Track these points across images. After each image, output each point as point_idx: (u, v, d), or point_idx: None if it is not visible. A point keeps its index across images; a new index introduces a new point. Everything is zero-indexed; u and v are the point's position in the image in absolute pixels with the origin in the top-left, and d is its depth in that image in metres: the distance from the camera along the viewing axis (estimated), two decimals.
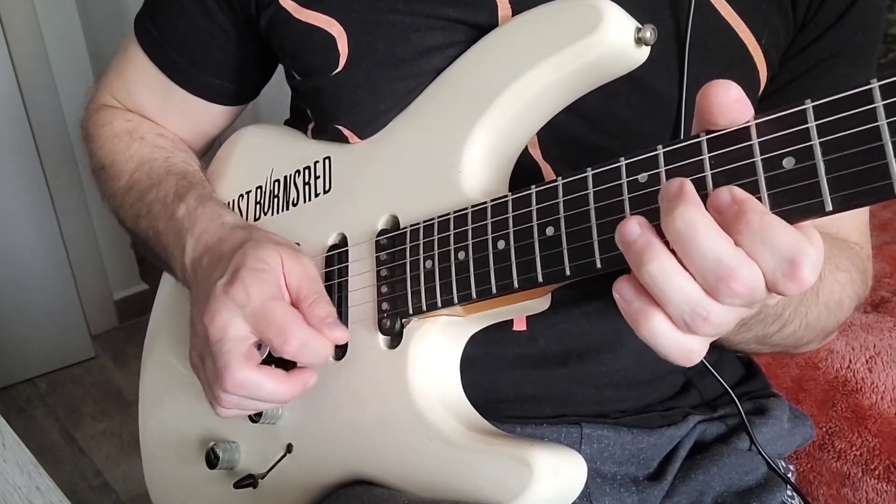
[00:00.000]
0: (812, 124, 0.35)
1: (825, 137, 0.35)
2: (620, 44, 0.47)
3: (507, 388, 0.60)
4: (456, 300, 0.50)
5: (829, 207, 0.35)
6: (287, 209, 0.64)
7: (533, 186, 0.47)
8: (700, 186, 0.38)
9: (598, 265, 0.42)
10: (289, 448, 0.59)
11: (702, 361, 0.61)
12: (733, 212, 0.36)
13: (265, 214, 0.66)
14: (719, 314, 0.37)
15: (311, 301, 0.53)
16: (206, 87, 0.70)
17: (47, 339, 1.73)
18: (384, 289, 0.54)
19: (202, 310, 0.54)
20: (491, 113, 0.52)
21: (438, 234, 0.51)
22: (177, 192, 0.64)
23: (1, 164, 1.57)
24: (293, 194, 0.64)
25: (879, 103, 0.34)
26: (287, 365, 0.55)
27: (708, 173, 0.38)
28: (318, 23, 0.58)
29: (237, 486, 0.61)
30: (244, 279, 0.52)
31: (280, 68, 0.70)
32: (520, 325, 0.59)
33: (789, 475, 0.69)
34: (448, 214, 0.51)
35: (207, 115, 0.72)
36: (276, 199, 0.66)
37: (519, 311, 0.51)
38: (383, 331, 0.54)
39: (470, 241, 0.49)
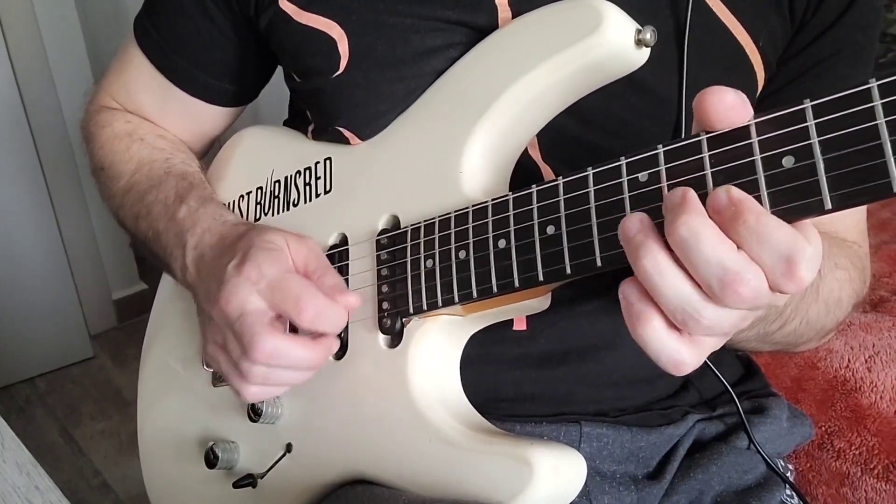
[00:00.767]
0: (811, 123, 0.36)
1: (824, 136, 0.35)
2: (621, 45, 0.48)
3: (507, 387, 0.60)
4: (457, 299, 0.50)
5: (829, 206, 0.35)
6: (288, 209, 0.64)
7: (534, 185, 0.47)
8: (700, 185, 0.38)
9: (599, 263, 0.42)
10: (288, 448, 0.59)
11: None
12: (730, 213, 0.36)
13: (266, 215, 0.66)
14: (713, 315, 0.37)
15: (320, 273, 0.54)
16: (205, 88, 0.70)
17: (46, 338, 1.73)
18: (385, 288, 0.54)
19: (215, 297, 0.54)
20: (491, 114, 0.52)
21: (439, 232, 0.51)
22: (177, 194, 0.64)
23: (0, 164, 1.57)
24: (294, 195, 0.64)
25: (878, 102, 0.34)
26: None
27: (708, 172, 0.39)
28: (318, 25, 0.58)
29: (236, 485, 0.61)
30: (255, 258, 0.53)
31: (279, 69, 0.70)
32: (519, 325, 0.59)
33: (788, 474, 0.69)
34: (449, 213, 0.51)
35: (207, 116, 0.72)
36: (276, 200, 0.66)
37: (519, 310, 0.51)
38: (384, 330, 0.54)
39: (471, 240, 0.49)
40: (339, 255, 0.58)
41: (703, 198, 0.37)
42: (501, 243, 0.47)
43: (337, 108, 0.60)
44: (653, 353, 0.39)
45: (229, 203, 0.69)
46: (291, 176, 0.65)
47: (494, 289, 0.48)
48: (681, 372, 0.39)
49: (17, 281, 1.65)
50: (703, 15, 0.54)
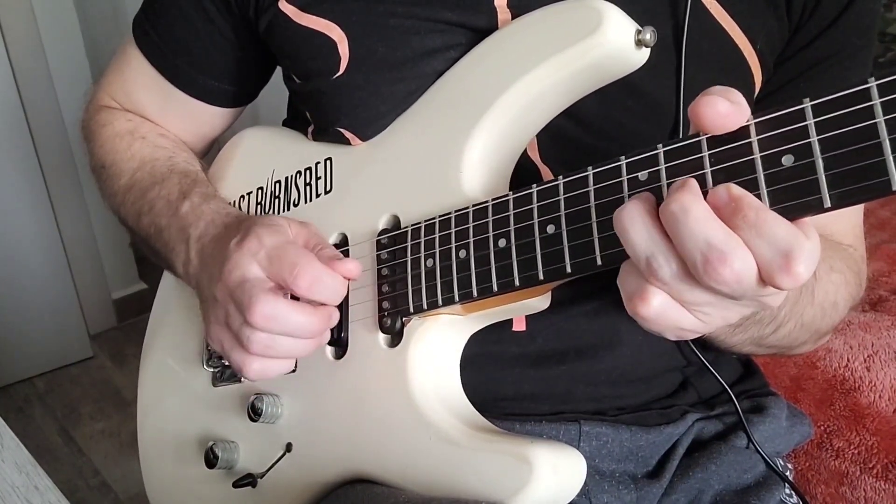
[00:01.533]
0: (811, 122, 0.36)
1: (824, 135, 0.35)
2: (620, 45, 0.48)
3: (507, 387, 0.60)
4: (457, 298, 0.50)
5: (828, 204, 0.35)
6: (288, 209, 0.65)
7: (534, 185, 0.47)
8: (700, 184, 0.38)
9: (599, 262, 0.43)
10: (288, 447, 0.59)
11: (700, 360, 0.61)
12: (731, 208, 0.36)
13: (266, 215, 0.66)
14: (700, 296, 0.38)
15: (319, 247, 0.54)
16: (204, 89, 0.70)
17: (46, 338, 1.73)
18: (385, 287, 0.54)
19: (218, 275, 0.54)
20: (492, 114, 0.52)
21: (440, 232, 0.51)
22: (181, 190, 0.64)
23: None
24: (294, 195, 0.64)
25: (877, 101, 0.34)
26: None
27: (708, 171, 0.39)
28: (318, 27, 0.58)
29: (236, 485, 0.61)
30: (256, 232, 0.53)
31: (278, 69, 0.70)
32: (519, 325, 0.59)
33: (787, 473, 0.69)
34: (449, 213, 0.51)
35: (206, 117, 0.72)
36: (277, 200, 0.66)
37: (519, 310, 0.51)
38: (384, 329, 0.54)
39: (471, 240, 0.49)
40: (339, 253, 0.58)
41: (704, 196, 0.37)
42: (502, 242, 0.48)
43: (337, 109, 0.60)
44: (654, 322, 0.40)
45: (230, 203, 0.69)
46: (292, 176, 0.65)
47: (495, 288, 0.48)
48: (683, 335, 0.41)
49: (17, 281, 1.65)
50: (701, 17, 0.55)
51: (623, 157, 0.42)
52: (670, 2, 0.55)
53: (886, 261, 1.05)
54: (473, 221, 0.49)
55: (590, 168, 0.44)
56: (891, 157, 0.33)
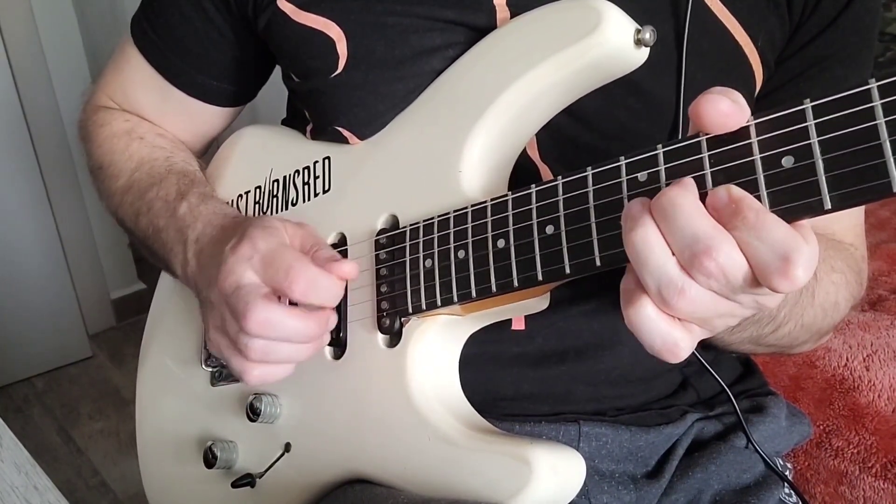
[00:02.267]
0: (811, 123, 0.36)
1: (824, 136, 0.35)
2: (620, 45, 0.48)
3: (506, 387, 0.60)
4: (456, 299, 0.50)
5: (828, 206, 0.35)
6: (286, 209, 0.64)
7: (533, 185, 0.47)
8: (700, 185, 0.38)
9: (598, 263, 0.42)
10: (287, 447, 0.59)
11: (699, 360, 0.61)
12: (730, 210, 0.36)
13: (264, 214, 0.66)
14: (694, 291, 0.37)
15: (315, 249, 0.54)
16: (203, 88, 0.70)
17: (44, 338, 1.73)
18: (383, 288, 0.54)
19: (214, 279, 0.54)
20: (490, 113, 0.52)
21: (438, 232, 0.51)
22: (179, 191, 0.64)
23: None
24: (292, 194, 0.64)
25: (878, 102, 0.34)
26: None
27: (707, 172, 0.39)
28: (316, 25, 0.58)
29: (235, 485, 0.61)
30: (251, 236, 0.53)
31: (277, 69, 0.70)
32: (518, 324, 0.59)
33: (787, 473, 0.69)
34: (448, 213, 0.51)
35: (205, 116, 0.72)
36: (275, 199, 0.66)
37: (518, 310, 0.51)
38: (382, 330, 0.54)
39: (470, 240, 0.49)
40: (337, 253, 0.58)
41: (704, 197, 0.37)
42: (500, 243, 0.47)
43: (336, 108, 0.60)
44: (646, 335, 0.39)
45: (228, 202, 0.69)
46: (290, 175, 0.65)
47: (493, 288, 0.48)
48: (676, 357, 0.39)
49: (15, 280, 1.65)
50: (702, 15, 0.54)
51: (622, 158, 0.42)
52: (671, 0, 0.54)
53: (886, 260, 1.05)
54: (472, 222, 0.49)
55: (589, 168, 0.44)
56: (891, 159, 0.33)
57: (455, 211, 0.51)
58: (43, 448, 1.56)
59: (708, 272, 0.36)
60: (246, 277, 0.52)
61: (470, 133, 0.52)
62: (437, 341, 0.53)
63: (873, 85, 0.34)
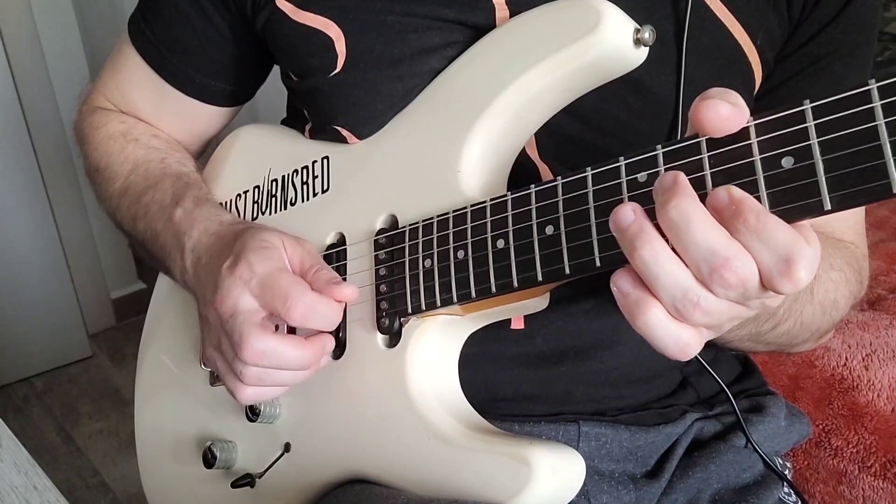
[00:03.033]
0: (811, 124, 0.36)
1: (824, 137, 0.35)
2: (619, 44, 0.47)
3: (505, 387, 0.60)
4: (455, 299, 0.50)
5: (828, 206, 0.35)
6: (285, 209, 0.64)
7: (532, 186, 0.47)
8: (699, 186, 0.38)
9: (598, 263, 0.42)
10: (286, 447, 0.59)
11: (698, 360, 0.61)
12: (731, 211, 0.36)
13: (263, 214, 0.66)
14: (710, 302, 0.37)
15: (315, 270, 0.54)
16: (201, 88, 0.70)
17: (44, 338, 1.73)
18: (383, 288, 0.54)
19: (211, 299, 0.54)
20: (490, 113, 0.52)
21: (437, 232, 0.51)
22: (174, 195, 0.64)
23: None
24: (291, 194, 0.64)
25: (878, 103, 0.34)
26: None
27: (707, 172, 0.39)
28: (315, 24, 0.58)
29: (234, 485, 0.61)
30: (248, 258, 0.53)
31: (276, 68, 0.70)
32: (518, 324, 0.59)
33: (786, 472, 0.69)
34: (447, 213, 0.51)
35: (203, 116, 0.72)
36: (273, 199, 0.66)
37: (518, 310, 0.51)
38: (382, 330, 0.54)
39: (469, 240, 0.49)
40: (336, 255, 0.58)
41: (703, 198, 0.37)
42: (500, 243, 0.47)
43: (334, 107, 0.60)
44: (658, 340, 0.39)
45: (226, 202, 0.69)
46: (289, 175, 0.65)
47: (493, 289, 0.48)
48: (687, 356, 0.39)
49: (15, 280, 1.65)
50: (702, 14, 0.54)
51: (622, 158, 0.42)
52: None
53: (885, 259, 1.05)
54: (471, 222, 0.49)
55: (588, 169, 0.44)
56: (891, 160, 0.33)
57: (454, 211, 0.51)
58: (42, 448, 1.56)
59: (729, 285, 0.36)
60: (242, 302, 0.52)
61: (469, 132, 0.52)
62: (437, 341, 0.53)
63: (873, 86, 0.34)
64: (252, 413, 0.59)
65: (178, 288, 0.69)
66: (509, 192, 0.48)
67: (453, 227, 0.50)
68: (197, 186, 0.66)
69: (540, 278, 0.45)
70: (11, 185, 1.59)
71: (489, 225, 0.48)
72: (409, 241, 0.53)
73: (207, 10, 0.65)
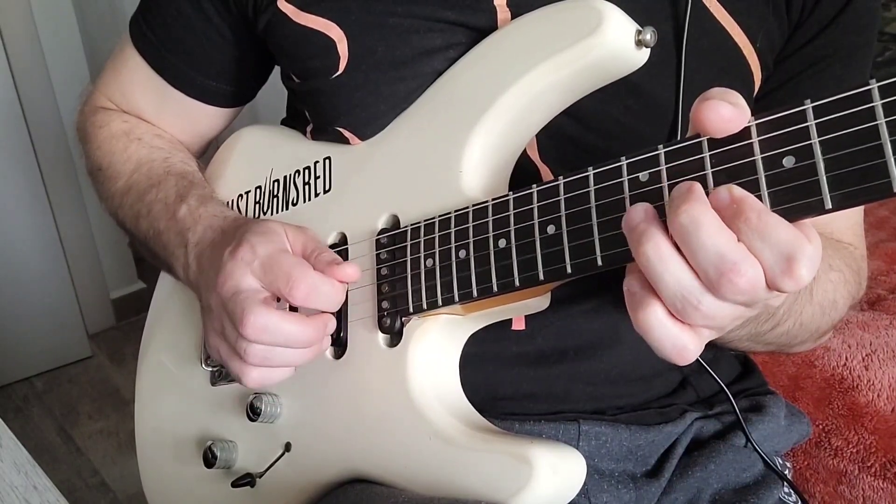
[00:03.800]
0: (812, 123, 0.36)
1: (825, 136, 0.35)
2: (621, 45, 0.48)
3: (506, 386, 0.60)
4: (457, 298, 0.50)
5: (829, 205, 0.35)
6: (286, 209, 0.64)
7: (534, 185, 0.47)
8: (701, 185, 0.38)
9: (600, 263, 0.43)
10: (287, 447, 0.59)
11: (698, 359, 0.61)
12: (732, 210, 0.36)
13: (265, 214, 0.66)
14: (711, 305, 0.37)
15: (317, 253, 0.54)
16: (202, 89, 0.70)
17: (44, 338, 1.73)
18: (384, 287, 0.54)
19: (213, 283, 0.54)
20: (491, 113, 0.52)
21: (439, 232, 0.51)
22: (178, 193, 0.64)
23: None
24: (293, 194, 0.64)
25: (878, 102, 0.34)
26: None
27: (709, 171, 0.39)
28: (317, 26, 0.58)
29: (235, 485, 0.61)
30: (250, 240, 0.53)
31: (276, 69, 0.70)
32: (518, 324, 0.59)
33: (786, 472, 0.69)
34: (449, 213, 0.51)
35: (204, 116, 0.72)
36: (275, 199, 0.66)
37: (519, 310, 0.51)
38: (383, 329, 0.54)
39: (471, 240, 0.49)
40: (338, 255, 0.58)
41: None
42: (502, 243, 0.48)
43: (336, 108, 0.60)
44: (656, 340, 0.39)
45: (228, 202, 0.69)
46: (290, 175, 0.65)
47: (495, 288, 0.48)
48: (685, 360, 0.39)
49: (15, 280, 1.65)
50: (701, 16, 0.55)
51: (624, 158, 0.42)
52: (670, 1, 0.55)
53: (885, 260, 1.06)
54: (473, 221, 0.49)
55: (590, 168, 0.44)
56: (892, 159, 0.33)
57: (456, 211, 0.51)
58: (42, 448, 1.56)
59: (739, 289, 0.36)
60: (244, 282, 0.52)
61: (471, 133, 0.52)
62: (438, 341, 0.53)
63: (874, 85, 0.34)
64: (253, 413, 0.59)
65: (180, 288, 0.69)
66: (511, 192, 0.48)
67: (455, 227, 0.50)
68: (201, 185, 0.66)
69: (541, 277, 0.45)
70: (11, 185, 1.59)
71: (491, 224, 0.48)
72: (411, 240, 0.53)
73: (208, 12, 0.65)
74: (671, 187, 0.39)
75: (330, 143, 0.62)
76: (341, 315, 0.56)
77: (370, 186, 0.58)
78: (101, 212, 0.74)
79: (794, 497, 0.64)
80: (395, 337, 0.54)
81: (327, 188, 0.61)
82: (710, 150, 0.39)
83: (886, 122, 0.34)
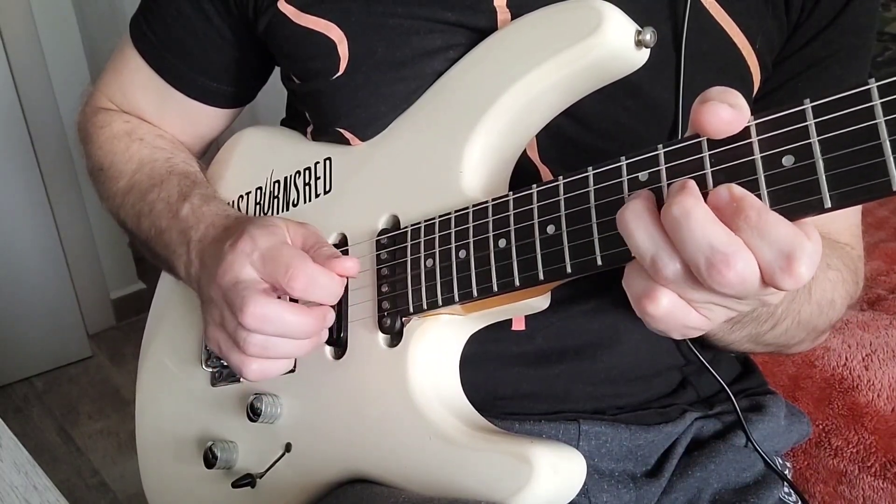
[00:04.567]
0: (811, 122, 0.36)
1: (824, 135, 0.35)
2: (621, 46, 0.48)
3: (506, 386, 0.60)
4: (457, 298, 0.50)
5: (829, 204, 0.35)
6: (287, 210, 0.64)
7: (534, 185, 0.47)
8: (700, 185, 0.39)
9: (600, 262, 0.43)
10: (287, 447, 0.59)
11: (699, 359, 0.62)
12: (732, 209, 0.36)
13: (265, 215, 0.66)
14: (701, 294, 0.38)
15: (317, 247, 0.54)
16: (203, 90, 0.70)
17: (44, 338, 1.73)
18: (385, 288, 0.54)
19: (214, 276, 0.54)
20: (491, 114, 0.52)
21: (439, 232, 0.51)
22: (180, 192, 0.64)
23: None
24: (293, 195, 0.64)
25: (877, 102, 0.34)
26: None
27: (708, 171, 0.39)
28: (317, 27, 0.58)
29: (235, 485, 0.61)
30: (251, 232, 0.53)
31: (277, 69, 0.70)
32: (518, 324, 0.59)
33: (786, 472, 0.69)
34: (449, 213, 0.51)
35: (204, 117, 0.72)
36: (276, 200, 0.66)
37: (519, 309, 0.51)
38: (383, 329, 0.54)
39: (471, 240, 0.49)
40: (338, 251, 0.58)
41: (705, 197, 0.37)
42: (502, 243, 0.48)
43: (337, 109, 0.60)
44: (664, 324, 0.40)
45: (229, 203, 0.69)
46: (291, 176, 0.65)
47: (495, 288, 0.48)
48: (689, 333, 0.41)
49: (15, 280, 1.65)
50: (700, 17, 0.55)
51: (623, 158, 0.42)
52: (669, 1, 0.55)
53: (885, 260, 1.06)
54: (473, 221, 0.49)
55: (590, 168, 0.44)
56: (891, 158, 0.34)
57: (456, 211, 0.51)
58: (42, 448, 1.56)
59: (727, 282, 0.36)
60: (244, 273, 0.52)
61: (471, 134, 0.52)
62: (438, 341, 0.53)
63: (873, 85, 0.34)
64: (253, 413, 0.59)
65: (181, 288, 0.69)
66: (511, 192, 0.48)
67: (455, 227, 0.50)
68: (203, 185, 0.66)
69: (542, 277, 0.45)
70: (12, 185, 1.59)
71: (491, 224, 0.48)
72: (411, 240, 0.53)
73: (209, 13, 0.65)
74: (669, 188, 0.39)
75: (330, 144, 0.62)
76: (341, 315, 0.56)
77: (370, 187, 0.58)
78: (101, 212, 0.74)
79: (794, 497, 0.64)
80: (395, 337, 0.54)
81: (328, 189, 0.62)
82: (709, 150, 0.39)
83: (886, 121, 0.34)
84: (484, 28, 0.55)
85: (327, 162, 0.62)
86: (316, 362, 0.57)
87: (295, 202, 0.64)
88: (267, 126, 0.72)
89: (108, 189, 0.70)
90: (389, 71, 0.57)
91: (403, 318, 0.53)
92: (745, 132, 0.38)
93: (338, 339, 0.56)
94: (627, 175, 0.42)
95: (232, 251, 0.53)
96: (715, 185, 0.38)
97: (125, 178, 0.69)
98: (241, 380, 0.63)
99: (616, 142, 0.56)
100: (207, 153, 0.78)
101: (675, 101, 0.55)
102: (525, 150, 0.55)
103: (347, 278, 0.54)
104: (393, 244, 0.54)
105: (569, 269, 0.44)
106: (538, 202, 0.46)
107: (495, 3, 0.55)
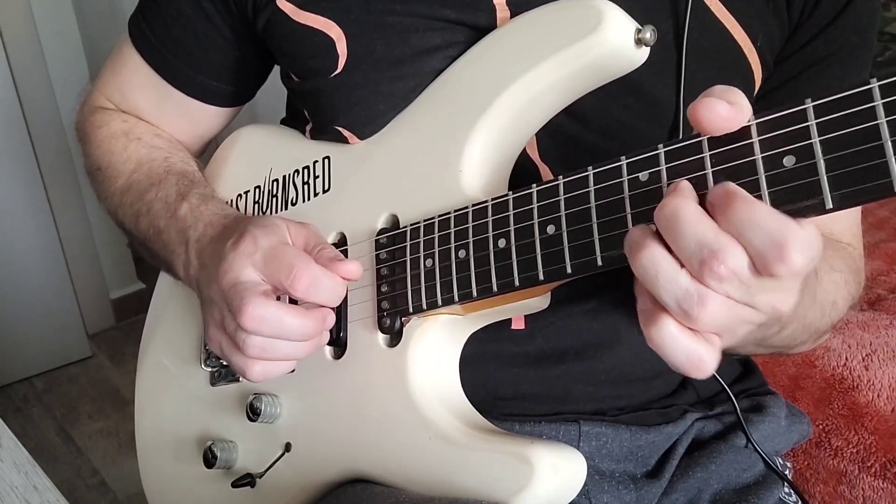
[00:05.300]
0: (812, 123, 0.36)
1: (825, 136, 0.35)
2: (621, 44, 0.48)
3: (506, 386, 0.60)
4: (456, 298, 0.50)
5: (830, 205, 0.35)
6: (286, 209, 0.64)
7: (534, 185, 0.47)
8: (701, 185, 0.38)
9: (599, 263, 0.43)
10: (287, 447, 0.59)
11: None
12: (723, 203, 0.36)
13: (264, 214, 0.66)
14: (712, 300, 0.37)
15: (319, 248, 0.54)
16: (202, 88, 0.70)
17: (44, 338, 1.73)
18: (384, 287, 0.54)
19: (214, 276, 0.54)
20: (491, 112, 0.52)
21: (439, 232, 0.51)
22: (179, 191, 0.64)
23: None
24: (292, 194, 0.64)
25: (879, 102, 0.34)
26: None
27: (709, 171, 0.39)
28: (316, 25, 0.58)
29: (235, 485, 0.61)
30: (252, 232, 0.53)
31: (276, 68, 0.70)
32: (518, 324, 0.59)
33: (786, 472, 0.69)
34: (448, 213, 0.51)
35: (204, 116, 0.72)
36: (274, 199, 0.66)
37: (519, 309, 0.51)
38: (383, 329, 0.54)
39: (471, 240, 0.49)
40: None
41: (704, 198, 0.37)
42: (501, 243, 0.47)
43: (336, 107, 0.60)
44: (670, 354, 0.39)
45: (227, 202, 0.69)
46: (290, 175, 0.65)
47: (494, 288, 0.48)
48: (702, 372, 0.39)
49: (15, 280, 1.65)
50: (702, 15, 0.55)
51: (623, 158, 0.42)
52: None
53: (885, 260, 1.06)
54: (473, 221, 0.49)
55: (590, 168, 0.44)
56: (893, 159, 0.33)
57: (456, 210, 0.51)
58: (42, 448, 1.56)
59: (720, 276, 0.36)
60: (245, 274, 0.52)
61: (470, 132, 0.52)
62: (438, 341, 0.53)
63: (874, 85, 0.34)
64: (252, 413, 0.59)
65: (179, 288, 0.69)
66: (511, 192, 0.48)
67: (454, 227, 0.50)
68: (202, 184, 0.66)
69: (541, 277, 0.45)
70: (11, 185, 1.59)
71: (490, 224, 0.48)
72: (411, 240, 0.53)
73: (208, 11, 0.65)
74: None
75: (329, 143, 0.62)
76: (341, 315, 0.56)
77: (369, 186, 0.58)
78: (100, 212, 0.74)
79: (794, 497, 0.64)
80: (394, 337, 0.54)
81: (326, 188, 0.61)
82: (710, 150, 0.39)
83: (887, 121, 0.34)
84: (483, 26, 0.55)
85: (326, 161, 0.62)
86: (315, 362, 0.57)
87: (294, 201, 0.64)
88: (265, 124, 0.72)
89: (105, 189, 0.70)
90: (388, 69, 0.57)
91: (403, 318, 0.53)
92: (745, 132, 0.38)
93: (337, 339, 0.56)
94: (628, 175, 0.42)
95: (233, 251, 0.53)
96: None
97: (123, 177, 0.68)
98: (241, 379, 0.63)
99: (616, 140, 0.56)
100: (206, 152, 0.77)
101: (676, 99, 0.55)
102: (525, 148, 0.55)
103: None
104: (392, 244, 0.54)
105: (569, 270, 0.44)
106: (538, 202, 0.46)
107: (495, 1, 0.55)
